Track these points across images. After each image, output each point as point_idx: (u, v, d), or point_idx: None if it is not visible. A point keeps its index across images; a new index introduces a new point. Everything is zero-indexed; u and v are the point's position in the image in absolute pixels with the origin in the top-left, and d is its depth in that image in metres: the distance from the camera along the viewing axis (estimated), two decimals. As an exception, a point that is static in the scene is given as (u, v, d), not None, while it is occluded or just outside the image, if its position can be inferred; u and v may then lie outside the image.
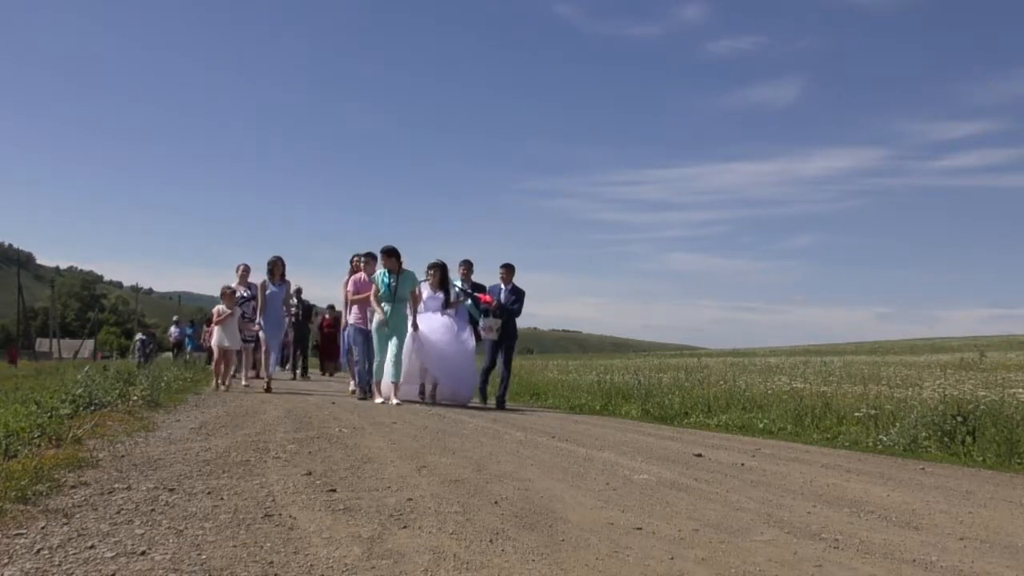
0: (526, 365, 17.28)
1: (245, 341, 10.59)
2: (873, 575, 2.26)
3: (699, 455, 4.76)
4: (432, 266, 9.19)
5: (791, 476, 4.09)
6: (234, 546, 2.24)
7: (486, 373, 9.58)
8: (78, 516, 2.51)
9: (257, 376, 11.21)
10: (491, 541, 2.42)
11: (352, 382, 9.80)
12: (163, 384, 8.31)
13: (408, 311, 8.66)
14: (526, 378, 12.91)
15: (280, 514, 2.65)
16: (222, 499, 2.84)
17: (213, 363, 10.11)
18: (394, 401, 8.15)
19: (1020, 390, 6.49)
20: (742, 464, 4.45)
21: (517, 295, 9.47)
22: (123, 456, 3.75)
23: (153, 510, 2.64)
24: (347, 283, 9.78)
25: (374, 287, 8.68)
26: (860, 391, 7.83)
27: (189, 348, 23.25)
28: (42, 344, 59.58)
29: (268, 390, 9.27)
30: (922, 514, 3.19)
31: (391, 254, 8.59)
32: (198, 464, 3.59)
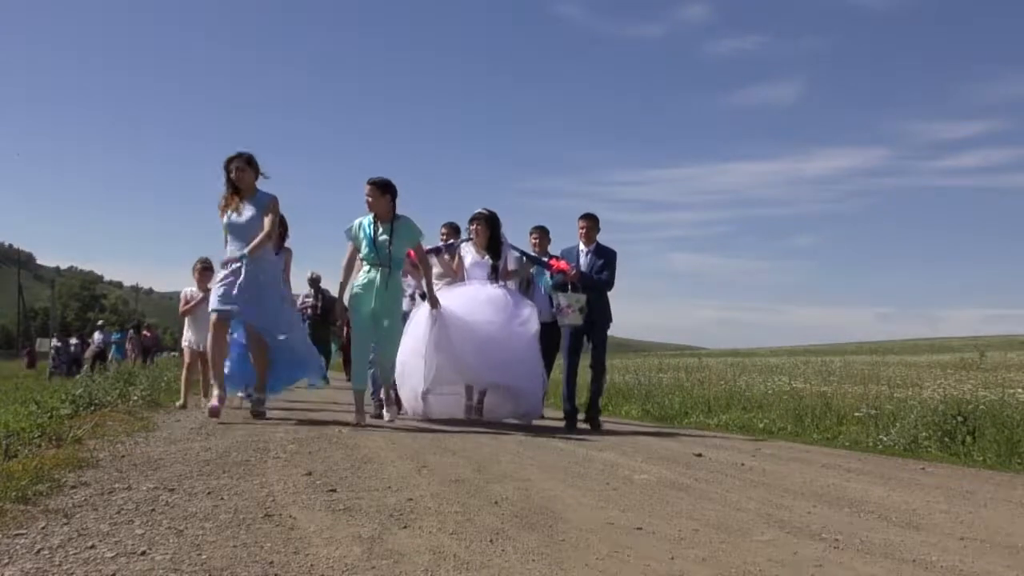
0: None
1: None
2: (873, 575, 2.26)
3: (699, 455, 4.76)
4: (476, 218, 6.32)
5: (791, 476, 4.09)
6: (234, 546, 2.24)
7: (570, 378, 6.56)
8: (78, 516, 2.51)
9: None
10: (491, 541, 2.42)
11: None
12: (163, 384, 8.32)
13: (411, 281, 6.20)
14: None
15: (280, 514, 2.65)
16: (222, 499, 2.84)
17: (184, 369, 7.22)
18: (386, 416, 5.73)
19: (1020, 390, 6.49)
20: (742, 464, 4.45)
21: (605, 259, 6.54)
22: (123, 456, 3.75)
23: (153, 510, 2.64)
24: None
25: (350, 245, 5.79)
26: (860, 391, 7.82)
27: (117, 357, 20.78)
28: (42, 344, 59.57)
29: (259, 413, 5.80)
30: (922, 514, 3.19)
31: (383, 188, 5.62)
32: (198, 464, 3.58)
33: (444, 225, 7.08)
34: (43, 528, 2.35)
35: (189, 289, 7.18)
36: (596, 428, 6.34)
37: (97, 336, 23.03)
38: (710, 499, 3.30)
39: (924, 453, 5.53)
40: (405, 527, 2.54)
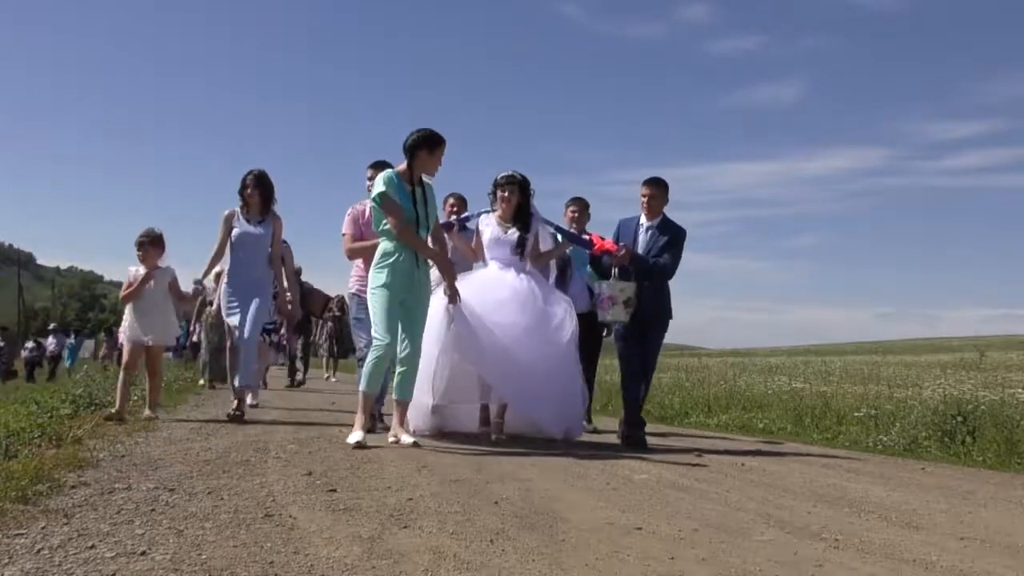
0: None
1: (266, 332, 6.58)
2: (873, 575, 2.26)
3: (699, 455, 4.76)
4: (507, 182, 4.94)
5: (791, 476, 4.09)
6: (234, 546, 2.24)
7: (633, 388, 5.24)
8: (78, 516, 2.51)
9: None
10: (491, 541, 2.42)
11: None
12: (163, 384, 8.31)
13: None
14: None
15: (280, 514, 2.65)
16: (222, 499, 2.84)
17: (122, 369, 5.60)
18: (407, 439, 4.42)
19: (1020, 390, 6.49)
20: (742, 464, 4.45)
21: (670, 237, 5.18)
22: (123, 456, 3.75)
23: (153, 510, 2.64)
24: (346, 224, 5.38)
25: (386, 202, 4.32)
26: (860, 391, 7.83)
27: (69, 363, 19.46)
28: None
29: (237, 416, 5.42)
30: (922, 514, 3.19)
31: (440, 141, 4.50)
32: (198, 464, 3.59)
33: (450, 195, 5.89)
34: (43, 528, 2.35)
35: (133, 268, 5.60)
36: (634, 442, 5.10)
37: (51, 341, 21.18)
38: (710, 499, 3.30)
39: (924, 453, 5.53)
40: (405, 527, 2.54)
